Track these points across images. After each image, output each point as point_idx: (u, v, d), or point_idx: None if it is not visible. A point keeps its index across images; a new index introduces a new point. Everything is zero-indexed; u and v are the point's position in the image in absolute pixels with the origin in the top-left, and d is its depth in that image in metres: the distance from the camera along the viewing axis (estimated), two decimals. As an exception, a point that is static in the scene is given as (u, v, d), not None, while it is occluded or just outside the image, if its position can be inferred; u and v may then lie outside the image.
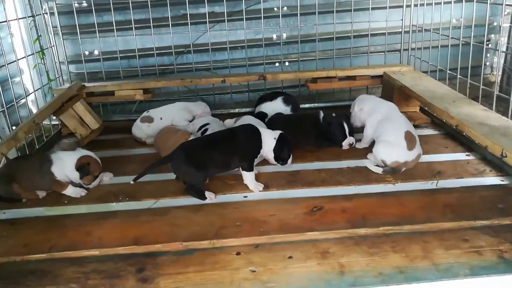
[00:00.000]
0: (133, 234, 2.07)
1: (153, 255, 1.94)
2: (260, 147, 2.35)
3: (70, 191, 2.45)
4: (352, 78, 3.57)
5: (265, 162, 2.68)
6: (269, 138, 2.39)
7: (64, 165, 2.40)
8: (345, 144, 2.83)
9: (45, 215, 2.27)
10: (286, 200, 2.29)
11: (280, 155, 2.46)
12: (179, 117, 3.18)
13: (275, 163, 2.51)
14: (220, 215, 2.19)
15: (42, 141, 3.31)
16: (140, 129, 3.15)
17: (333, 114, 2.88)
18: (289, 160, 2.53)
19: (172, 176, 2.57)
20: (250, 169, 2.36)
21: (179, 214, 2.22)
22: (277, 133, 2.45)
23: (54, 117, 3.52)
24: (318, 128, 2.85)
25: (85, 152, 2.47)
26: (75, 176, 2.43)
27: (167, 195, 2.40)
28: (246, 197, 2.35)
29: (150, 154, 2.98)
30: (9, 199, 2.39)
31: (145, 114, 3.22)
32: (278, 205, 2.24)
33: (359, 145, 2.85)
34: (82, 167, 2.39)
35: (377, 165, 2.58)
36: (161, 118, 3.16)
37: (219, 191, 2.42)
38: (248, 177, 2.39)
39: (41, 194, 2.46)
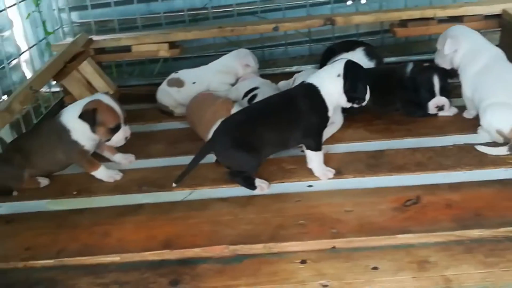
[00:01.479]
0: (164, 235, 2.12)
1: (190, 262, 1.98)
2: (326, 109, 2.33)
3: (102, 173, 2.56)
4: (458, 19, 3.45)
5: (335, 139, 2.69)
6: (331, 82, 2.33)
7: (78, 122, 2.47)
8: (432, 106, 2.78)
9: (49, 210, 2.39)
10: (367, 191, 2.28)
11: (355, 94, 2.34)
12: (217, 81, 3.24)
13: (348, 105, 2.40)
14: (277, 210, 2.21)
15: (39, 114, 3.45)
16: (168, 95, 3.23)
17: (425, 64, 2.84)
18: (367, 96, 2.41)
19: (210, 158, 2.60)
20: (317, 147, 2.36)
21: (223, 209, 2.26)
22: (338, 66, 2.33)
23: (55, 82, 3.67)
24: (405, 86, 2.82)
25: (96, 96, 2.56)
26: (88, 131, 2.49)
27: (206, 184, 2.45)
28: (311, 186, 2.37)
29: (182, 129, 3.04)
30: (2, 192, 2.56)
31: (173, 76, 3.29)
32: (356, 198, 2.24)
33: (467, 113, 2.79)
34: (85, 114, 2.44)
35: (494, 143, 2.50)
36: (193, 83, 3.23)
37: (274, 178, 2.44)
38: (314, 159, 2.39)
39: (43, 181, 2.60)
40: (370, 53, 3.19)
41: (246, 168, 2.33)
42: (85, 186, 2.55)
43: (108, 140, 2.54)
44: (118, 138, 2.55)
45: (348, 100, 2.35)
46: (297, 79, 2.82)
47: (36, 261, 2.06)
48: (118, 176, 2.57)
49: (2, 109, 2.56)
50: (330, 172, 2.39)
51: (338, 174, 2.42)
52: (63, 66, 3.16)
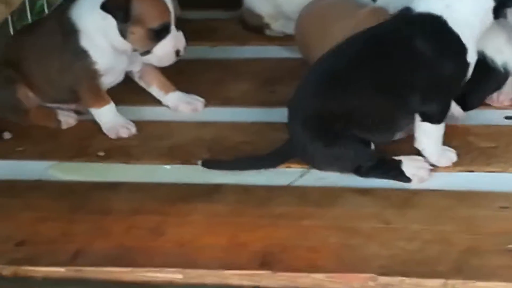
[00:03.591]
0: (259, 243, 2.07)
1: (308, 296, 1.93)
2: (463, 50, 2.32)
3: (106, 116, 2.59)
4: None
5: None
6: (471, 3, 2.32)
7: (96, 17, 2.49)
8: None
9: (57, 181, 2.41)
10: None
11: None
12: None
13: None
14: (464, 221, 2.11)
15: (37, 14, 3.48)
16: None
17: None
18: None
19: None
20: (442, 116, 2.37)
21: (363, 209, 2.19)
22: None
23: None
24: None
25: None
26: (116, 37, 2.49)
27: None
28: (524, 181, 2.29)
29: (283, 60, 3.03)
30: None
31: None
32: None
33: None
34: (112, 2, 2.44)
35: None
36: None
37: (457, 163, 2.37)
38: (431, 136, 2.37)
39: (67, 119, 2.65)
40: None
41: (354, 160, 2.36)
42: (119, 144, 2.56)
43: (147, 53, 2.53)
44: (164, 51, 2.52)
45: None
46: None
47: (36, 267, 2.02)
48: (125, 131, 2.59)
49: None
50: (453, 153, 2.40)
51: None
52: None
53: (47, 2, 3.54)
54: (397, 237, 2.06)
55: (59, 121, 2.63)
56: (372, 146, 2.36)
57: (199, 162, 2.40)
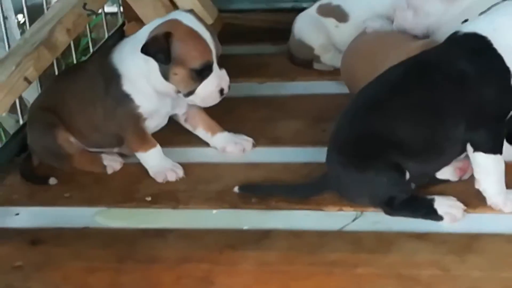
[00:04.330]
0: None
1: None
2: (508, 73, 2.27)
3: (153, 159, 2.59)
4: None
5: None
6: None
7: (138, 61, 2.50)
8: None
9: (105, 228, 2.41)
10: None
11: None
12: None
13: None
14: None
15: (84, 51, 3.52)
16: (317, 29, 3.19)
17: None
18: None
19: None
20: (495, 144, 2.29)
21: (419, 254, 2.13)
22: None
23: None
24: None
25: (172, 15, 2.56)
26: (158, 80, 2.49)
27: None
28: None
29: (333, 96, 3.00)
30: (32, 176, 2.66)
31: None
32: None
33: None
34: (152, 43, 2.45)
35: None
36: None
37: None
38: (490, 172, 2.29)
39: (112, 163, 2.65)
40: None
41: (387, 189, 2.31)
42: (166, 188, 2.55)
43: (190, 93, 2.51)
44: (208, 90, 2.50)
45: None
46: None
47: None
48: (173, 175, 2.57)
49: (37, 43, 2.58)
50: None
51: None
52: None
53: (92, 39, 3.58)
54: (458, 285, 2.01)
55: (104, 166, 2.63)
56: (407, 176, 2.32)
57: (236, 188, 2.43)
